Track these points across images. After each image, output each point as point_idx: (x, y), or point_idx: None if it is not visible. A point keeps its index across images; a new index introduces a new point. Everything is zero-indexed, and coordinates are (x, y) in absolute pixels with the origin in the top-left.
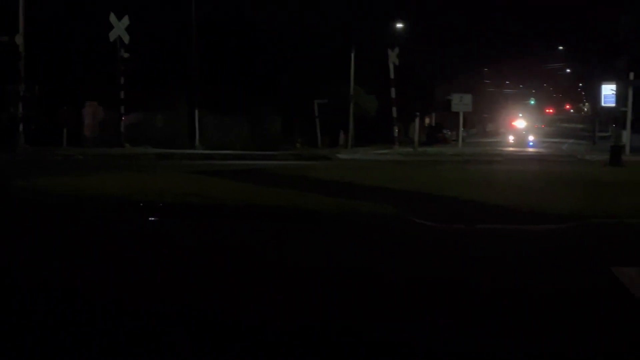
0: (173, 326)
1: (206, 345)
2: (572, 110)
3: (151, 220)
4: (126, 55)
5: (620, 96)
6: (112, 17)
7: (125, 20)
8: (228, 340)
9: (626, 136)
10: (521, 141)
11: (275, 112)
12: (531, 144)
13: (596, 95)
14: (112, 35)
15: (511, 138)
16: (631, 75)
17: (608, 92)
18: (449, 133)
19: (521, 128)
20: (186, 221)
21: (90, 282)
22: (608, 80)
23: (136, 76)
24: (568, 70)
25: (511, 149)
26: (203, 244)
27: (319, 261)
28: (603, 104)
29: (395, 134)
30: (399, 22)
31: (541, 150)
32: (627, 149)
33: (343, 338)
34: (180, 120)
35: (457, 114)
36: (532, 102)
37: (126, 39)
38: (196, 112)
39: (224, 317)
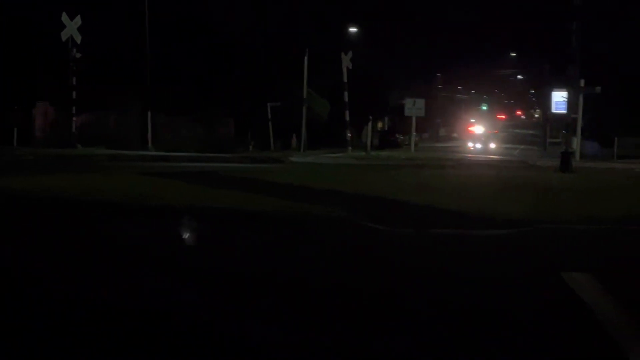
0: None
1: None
2: (523, 117)
3: (96, 218)
4: (78, 55)
5: (570, 103)
6: (64, 17)
7: (78, 20)
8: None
9: (576, 143)
10: (480, 147)
11: (229, 115)
12: (479, 147)
13: (547, 101)
14: (64, 35)
15: (470, 144)
16: (582, 83)
17: (559, 98)
18: (402, 137)
19: (479, 134)
20: (132, 222)
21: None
22: (559, 87)
23: (88, 76)
24: (520, 77)
25: (463, 154)
26: (139, 243)
27: (253, 265)
28: (554, 111)
29: (348, 138)
30: (353, 26)
31: (493, 155)
32: (577, 155)
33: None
34: (134, 122)
35: (410, 118)
36: (484, 108)
37: (78, 38)
38: (149, 113)
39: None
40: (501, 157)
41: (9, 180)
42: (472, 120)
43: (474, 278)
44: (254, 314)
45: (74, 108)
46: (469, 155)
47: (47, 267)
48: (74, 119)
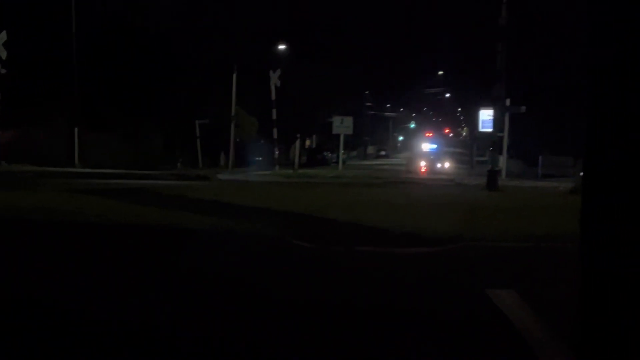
0: None
1: None
2: (451, 135)
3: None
4: (3, 71)
5: (497, 122)
6: None
7: (3, 36)
8: None
9: (502, 161)
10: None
11: (158, 132)
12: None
13: (474, 120)
14: None
15: (423, 163)
16: (507, 102)
17: (485, 117)
18: (330, 155)
19: (428, 152)
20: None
21: None
22: (486, 105)
23: (15, 92)
24: (448, 95)
25: (391, 171)
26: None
27: (170, 277)
28: (481, 129)
29: (276, 156)
30: (282, 43)
31: (423, 174)
32: (504, 173)
33: None
34: (60, 138)
35: (338, 136)
36: (412, 126)
37: (3, 54)
38: (76, 130)
39: None
40: (430, 175)
41: None
42: (401, 139)
43: (401, 295)
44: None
45: None
46: (399, 173)
47: None
48: None
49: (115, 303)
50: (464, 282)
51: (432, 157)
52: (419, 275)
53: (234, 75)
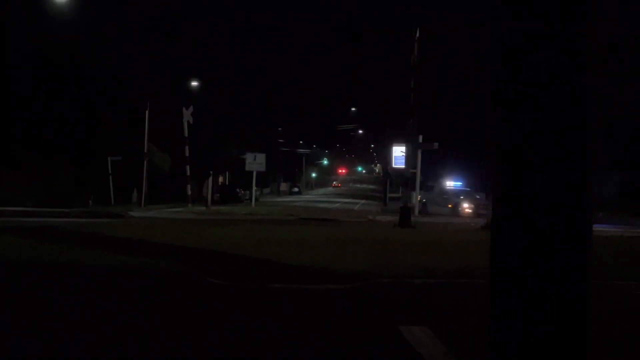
0: None
1: None
2: (364, 171)
3: None
4: None
5: (409, 158)
6: None
7: None
8: None
9: (415, 197)
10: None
11: (69, 169)
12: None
13: (388, 156)
14: None
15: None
16: (420, 138)
17: (398, 153)
18: (243, 192)
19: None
20: None
21: None
22: (399, 142)
23: None
24: (360, 132)
25: (303, 208)
26: None
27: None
28: (394, 166)
29: (189, 192)
30: (194, 80)
31: (331, 209)
32: (416, 209)
33: None
34: None
35: (251, 172)
36: (325, 162)
37: None
38: None
39: None
40: (342, 212)
41: None
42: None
43: (313, 332)
44: None
45: None
46: (309, 210)
47: None
48: None
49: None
50: (377, 318)
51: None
52: (332, 312)
53: (147, 112)
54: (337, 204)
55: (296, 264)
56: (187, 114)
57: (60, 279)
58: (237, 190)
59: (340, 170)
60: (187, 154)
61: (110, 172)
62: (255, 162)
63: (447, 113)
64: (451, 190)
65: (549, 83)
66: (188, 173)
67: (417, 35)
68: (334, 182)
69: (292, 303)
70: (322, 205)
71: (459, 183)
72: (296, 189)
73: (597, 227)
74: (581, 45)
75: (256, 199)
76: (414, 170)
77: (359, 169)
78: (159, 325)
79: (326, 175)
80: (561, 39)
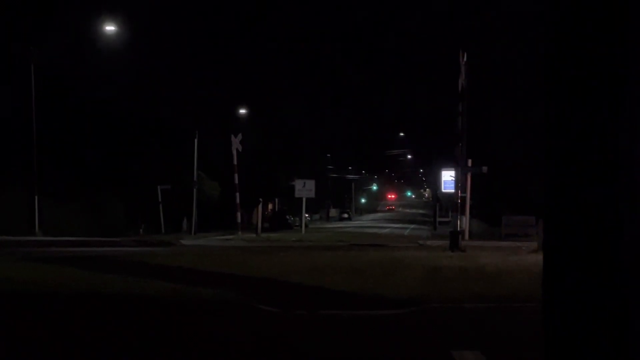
0: None
1: None
2: (413, 196)
3: None
4: None
5: (458, 182)
6: None
7: None
8: None
9: (465, 221)
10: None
11: (119, 198)
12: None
13: (437, 180)
14: None
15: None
16: (469, 162)
17: (448, 178)
18: (292, 218)
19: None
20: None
21: None
22: (447, 166)
23: None
24: (409, 157)
25: (352, 234)
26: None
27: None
28: (443, 190)
29: (239, 220)
30: (243, 108)
31: (381, 234)
32: (466, 233)
33: None
34: (18, 206)
35: (300, 199)
36: (374, 188)
37: None
38: (36, 198)
39: None
40: (391, 237)
41: None
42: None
43: (365, 358)
44: None
45: None
46: (362, 236)
47: None
48: None
49: None
50: (429, 343)
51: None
52: (384, 337)
53: (196, 141)
54: (387, 229)
55: (347, 290)
56: (235, 142)
57: (117, 308)
58: (287, 217)
59: (389, 196)
60: (236, 181)
61: (160, 200)
62: (304, 188)
63: (496, 136)
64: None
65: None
66: (238, 201)
67: (465, 59)
68: (388, 206)
69: (344, 329)
70: (372, 230)
71: None
72: (346, 215)
73: None
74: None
75: (306, 226)
76: (463, 194)
77: (408, 193)
78: (212, 350)
79: (375, 201)
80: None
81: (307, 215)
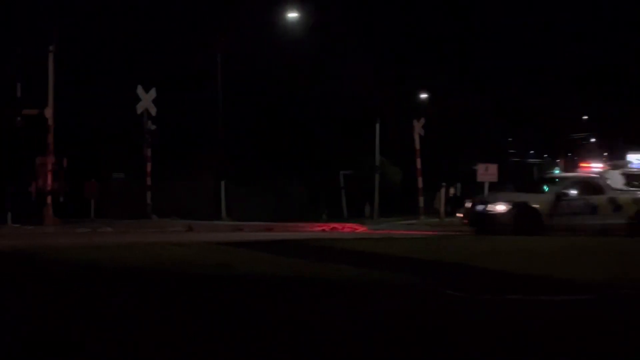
0: None
1: None
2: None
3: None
4: (153, 127)
5: None
6: (140, 90)
7: (152, 93)
8: None
9: None
10: None
11: (301, 183)
12: None
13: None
14: (140, 108)
15: None
16: None
17: (634, 161)
18: None
19: None
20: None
21: None
22: (635, 150)
23: (162, 147)
24: (593, 140)
25: None
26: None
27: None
28: None
29: (421, 205)
30: (424, 92)
31: None
32: None
33: None
34: (205, 191)
35: (482, 183)
36: (557, 172)
37: (153, 111)
38: (222, 183)
39: None
40: None
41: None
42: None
43: (559, 342)
44: None
45: (149, 179)
46: None
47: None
48: (149, 191)
49: None
50: (625, 332)
51: None
52: (572, 323)
53: (377, 125)
54: None
55: (531, 274)
56: (418, 126)
57: (296, 290)
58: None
59: (582, 165)
60: (418, 166)
61: (342, 185)
62: (487, 172)
63: None
64: None
65: None
66: (420, 185)
67: None
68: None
69: (531, 314)
70: None
71: None
72: None
73: None
74: None
75: None
76: None
77: None
78: (401, 335)
79: None
80: None
81: None
